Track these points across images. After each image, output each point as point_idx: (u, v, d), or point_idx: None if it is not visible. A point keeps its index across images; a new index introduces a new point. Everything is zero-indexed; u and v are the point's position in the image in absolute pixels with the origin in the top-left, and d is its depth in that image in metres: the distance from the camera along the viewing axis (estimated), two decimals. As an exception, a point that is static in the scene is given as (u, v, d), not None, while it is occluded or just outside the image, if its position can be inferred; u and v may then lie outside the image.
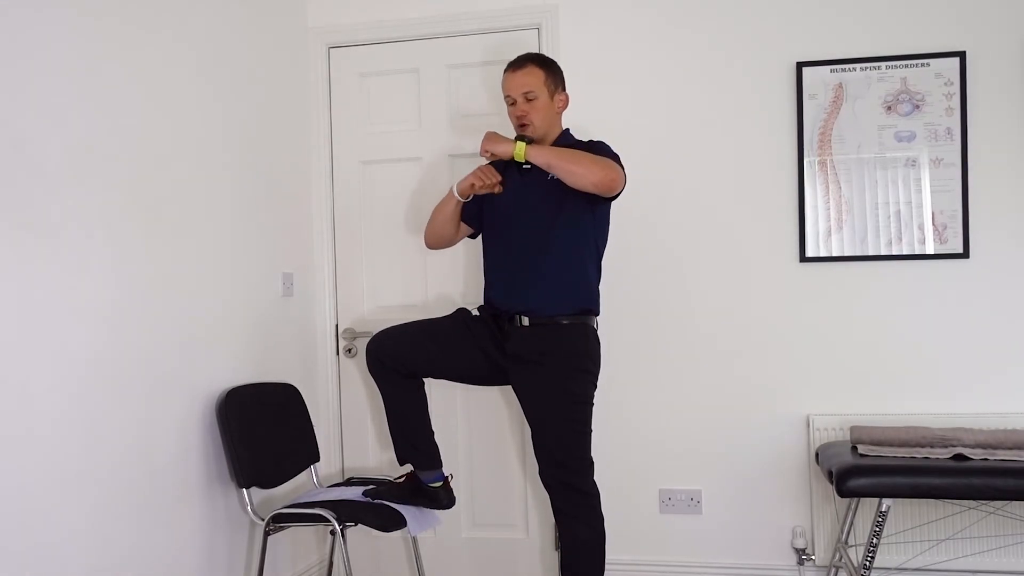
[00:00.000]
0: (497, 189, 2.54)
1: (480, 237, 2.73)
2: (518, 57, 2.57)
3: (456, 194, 2.59)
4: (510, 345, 2.51)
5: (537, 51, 3.10)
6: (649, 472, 3.06)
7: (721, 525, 3.02)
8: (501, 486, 3.19)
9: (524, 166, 2.54)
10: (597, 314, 2.57)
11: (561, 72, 2.60)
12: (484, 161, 2.80)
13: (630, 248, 3.07)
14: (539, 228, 2.49)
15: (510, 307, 2.51)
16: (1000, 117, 2.83)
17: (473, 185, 2.53)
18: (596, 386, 2.53)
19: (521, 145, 2.43)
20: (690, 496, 3.03)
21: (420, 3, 3.22)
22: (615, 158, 2.50)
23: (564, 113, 2.61)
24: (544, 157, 2.40)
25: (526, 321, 2.48)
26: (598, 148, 2.52)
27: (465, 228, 2.74)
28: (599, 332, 2.80)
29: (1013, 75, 2.83)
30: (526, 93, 2.50)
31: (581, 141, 2.61)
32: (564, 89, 2.60)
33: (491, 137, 2.49)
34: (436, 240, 2.73)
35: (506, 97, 2.55)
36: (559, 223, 2.47)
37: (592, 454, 2.50)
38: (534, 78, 2.51)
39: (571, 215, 2.48)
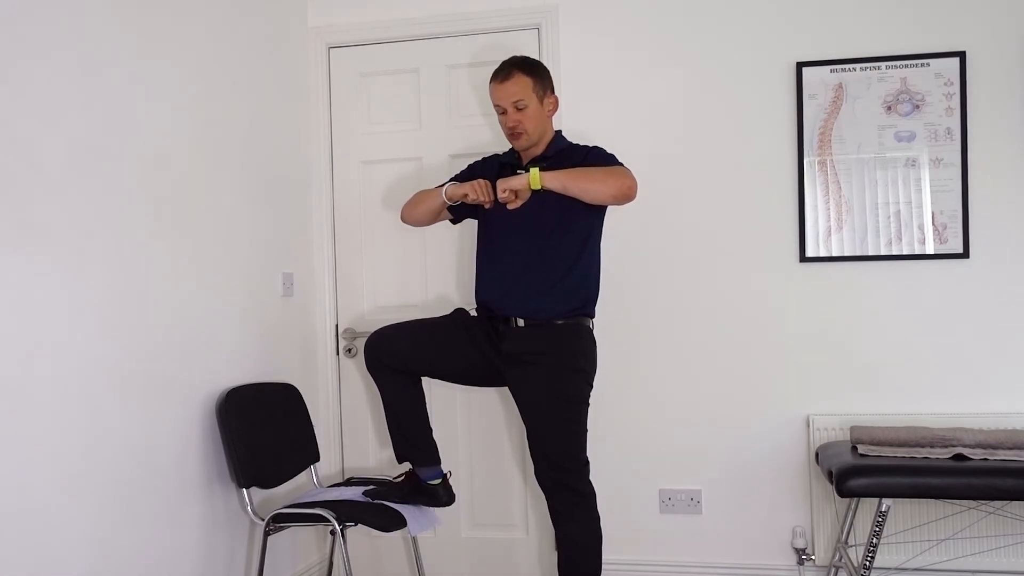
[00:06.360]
0: (487, 206, 2.52)
1: (476, 238, 2.71)
2: (502, 64, 2.53)
3: (445, 198, 2.57)
4: (505, 345, 2.51)
5: (537, 51, 3.10)
6: (649, 472, 3.06)
7: (721, 525, 3.02)
8: (501, 486, 3.19)
9: (518, 172, 2.54)
10: (592, 316, 2.57)
11: (548, 74, 2.57)
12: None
13: (630, 248, 3.07)
14: (536, 235, 2.48)
15: (506, 311, 2.51)
16: (1000, 117, 2.83)
17: (467, 195, 2.51)
18: (592, 386, 2.52)
19: (535, 172, 2.39)
20: (690, 496, 3.03)
21: (420, 3, 3.22)
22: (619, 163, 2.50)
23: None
24: (559, 181, 2.39)
25: (521, 322, 2.48)
26: (598, 155, 2.51)
27: (446, 214, 2.70)
28: (598, 332, 2.80)
29: (1013, 75, 2.83)
30: (516, 102, 2.48)
31: (576, 145, 2.59)
32: (553, 91, 2.58)
33: (500, 182, 2.43)
34: (413, 223, 2.73)
35: (496, 107, 2.53)
36: (556, 229, 2.46)
37: (591, 454, 2.50)
38: (522, 86, 2.48)
39: (568, 221, 2.46)
